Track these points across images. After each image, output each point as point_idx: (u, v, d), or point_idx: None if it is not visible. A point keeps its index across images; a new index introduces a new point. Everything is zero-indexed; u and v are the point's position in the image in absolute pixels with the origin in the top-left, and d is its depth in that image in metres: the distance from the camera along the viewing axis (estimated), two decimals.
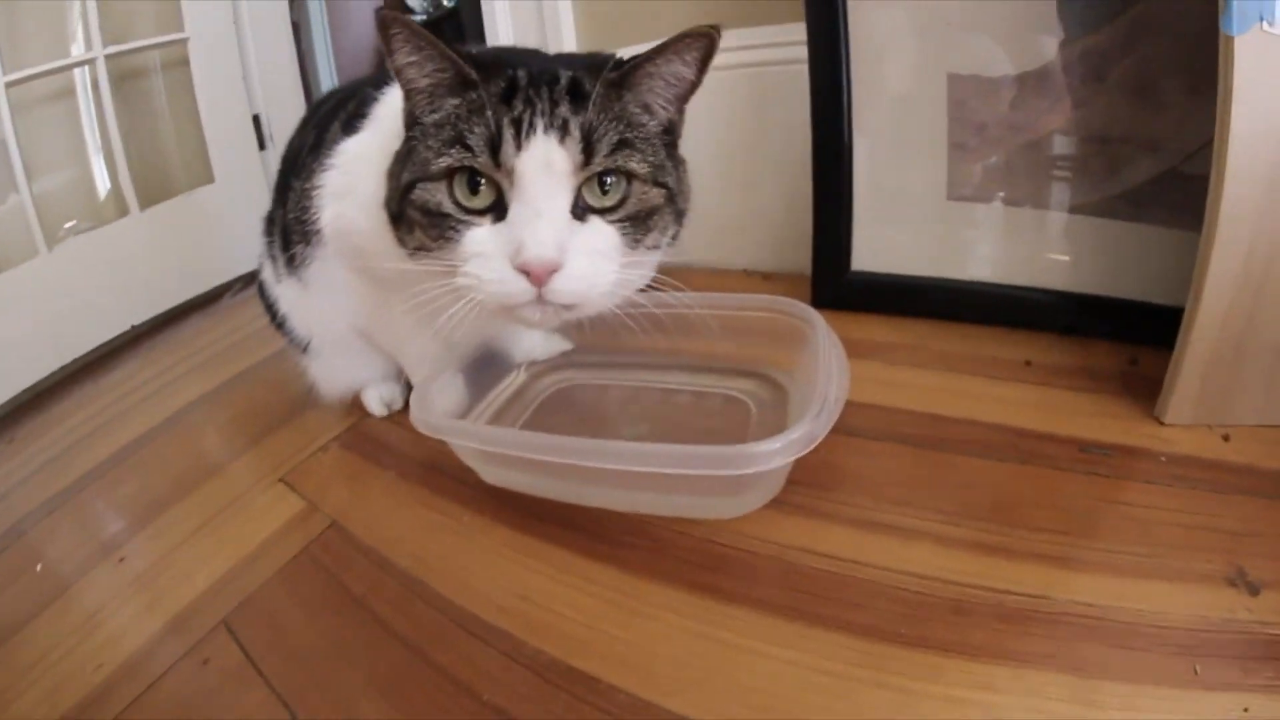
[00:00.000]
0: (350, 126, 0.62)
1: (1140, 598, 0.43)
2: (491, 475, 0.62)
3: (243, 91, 1.31)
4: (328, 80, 1.78)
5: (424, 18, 1.96)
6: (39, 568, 0.65)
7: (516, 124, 0.43)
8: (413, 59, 0.46)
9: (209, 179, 1.27)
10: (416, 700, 0.45)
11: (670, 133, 0.51)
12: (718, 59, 0.98)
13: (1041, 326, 0.75)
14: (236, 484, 0.73)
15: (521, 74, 0.46)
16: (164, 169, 1.28)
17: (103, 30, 1.12)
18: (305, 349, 0.75)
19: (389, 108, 0.58)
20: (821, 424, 0.49)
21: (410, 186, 0.46)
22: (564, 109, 0.44)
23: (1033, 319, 0.76)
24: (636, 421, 0.70)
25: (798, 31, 0.83)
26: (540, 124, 0.43)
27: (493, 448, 0.54)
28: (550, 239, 0.42)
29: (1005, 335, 0.76)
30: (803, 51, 0.83)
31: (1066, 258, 0.76)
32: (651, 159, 0.47)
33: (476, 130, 0.44)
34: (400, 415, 0.78)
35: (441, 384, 0.65)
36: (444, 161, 0.44)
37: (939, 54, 0.77)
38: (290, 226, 0.67)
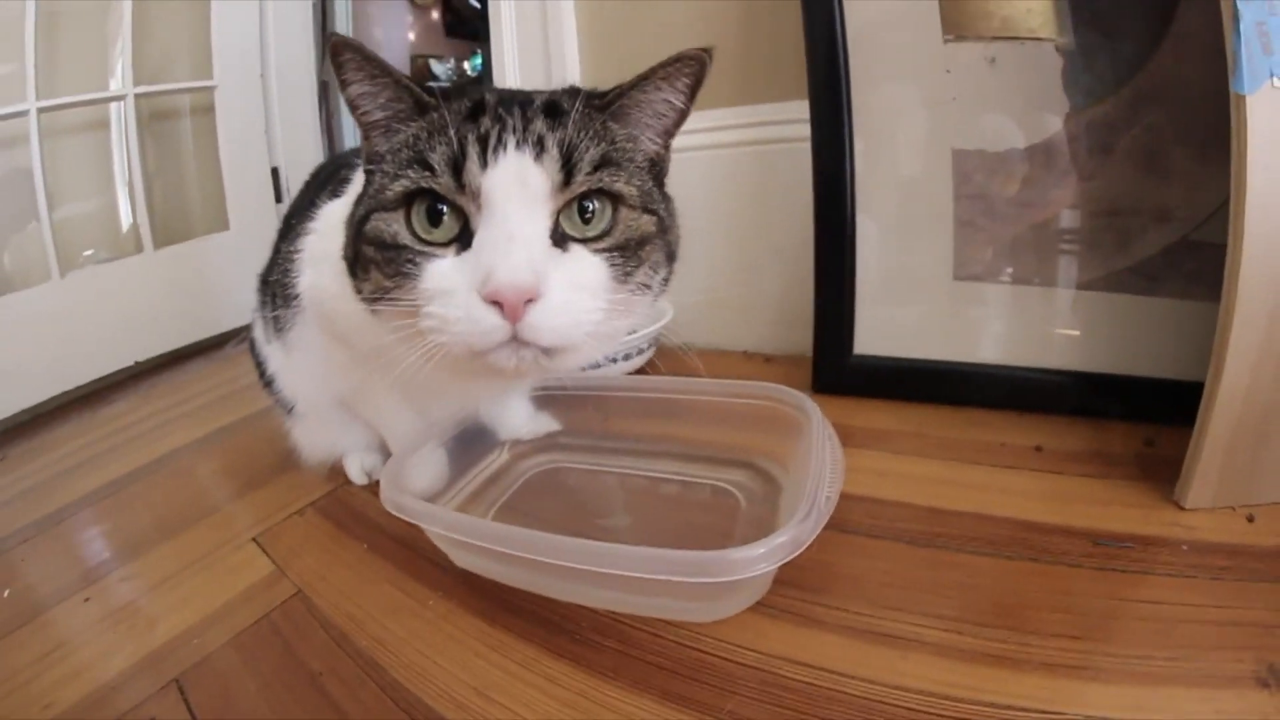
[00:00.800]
0: (336, 191, 0.61)
1: (1162, 707, 0.39)
2: (462, 560, 0.60)
3: (264, 143, 1.36)
4: (352, 140, 1.83)
5: (448, 84, 2.03)
6: (5, 593, 0.65)
7: (483, 140, 0.38)
8: (366, 89, 0.42)
9: (224, 226, 1.30)
10: None
11: (657, 167, 0.47)
12: (719, 137, 1.02)
13: (1052, 409, 0.72)
14: (211, 538, 0.72)
15: (490, 96, 0.42)
16: (183, 211, 1.31)
17: (140, 69, 1.18)
18: (290, 411, 0.74)
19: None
20: (808, 529, 0.46)
21: (364, 220, 0.41)
22: (539, 125, 0.39)
23: (1043, 401, 0.73)
24: (619, 511, 0.67)
25: (800, 110, 0.84)
26: (511, 140, 0.38)
27: (458, 535, 0.52)
28: (523, 261, 0.36)
29: (1014, 419, 0.73)
30: (805, 129, 0.83)
31: (1077, 334, 0.73)
32: (639, 184, 0.42)
33: (438, 149, 0.38)
34: (378, 485, 0.77)
35: (420, 458, 0.63)
36: (400, 186, 0.39)
37: (944, 130, 0.76)
38: (274, 289, 0.66)
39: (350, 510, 0.74)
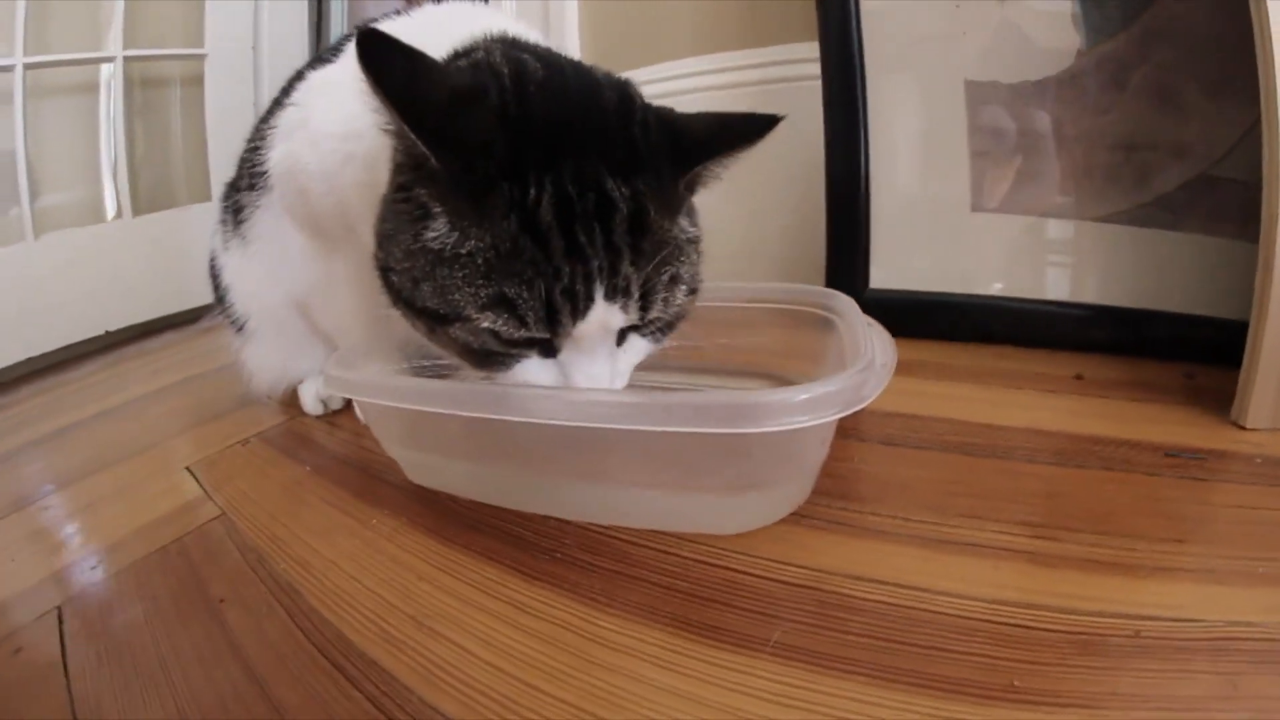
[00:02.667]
0: (321, 60, 0.53)
1: None
2: (418, 468, 0.47)
3: (252, 115, 1.25)
4: None
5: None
6: None
7: (571, 295, 0.32)
8: (389, 128, 0.32)
9: (206, 197, 1.19)
10: None
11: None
12: (727, 78, 0.93)
13: (1082, 345, 0.64)
14: (144, 468, 0.61)
15: (550, 189, 0.32)
16: (166, 180, 1.22)
17: (132, 34, 1.10)
18: (241, 329, 0.62)
19: (399, 27, 0.48)
20: (872, 382, 0.34)
21: (437, 317, 0.35)
22: (626, 267, 0.33)
23: (1072, 336, 0.65)
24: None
25: (808, 50, 0.77)
26: (599, 291, 0.33)
27: (410, 403, 0.39)
28: (605, 385, 0.37)
29: (1043, 355, 0.63)
30: (813, 69, 0.76)
31: (1100, 269, 0.65)
32: (692, 274, 0.38)
33: (524, 299, 0.32)
34: (336, 415, 0.65)
35: (377, 360, 0.51)
36: (485, 323, 0.33)
37: (956, 62, 0.69)
38: (239, 172, 0.58)
39: (299, 437, 0.62)
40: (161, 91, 1.21)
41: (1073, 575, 0.34)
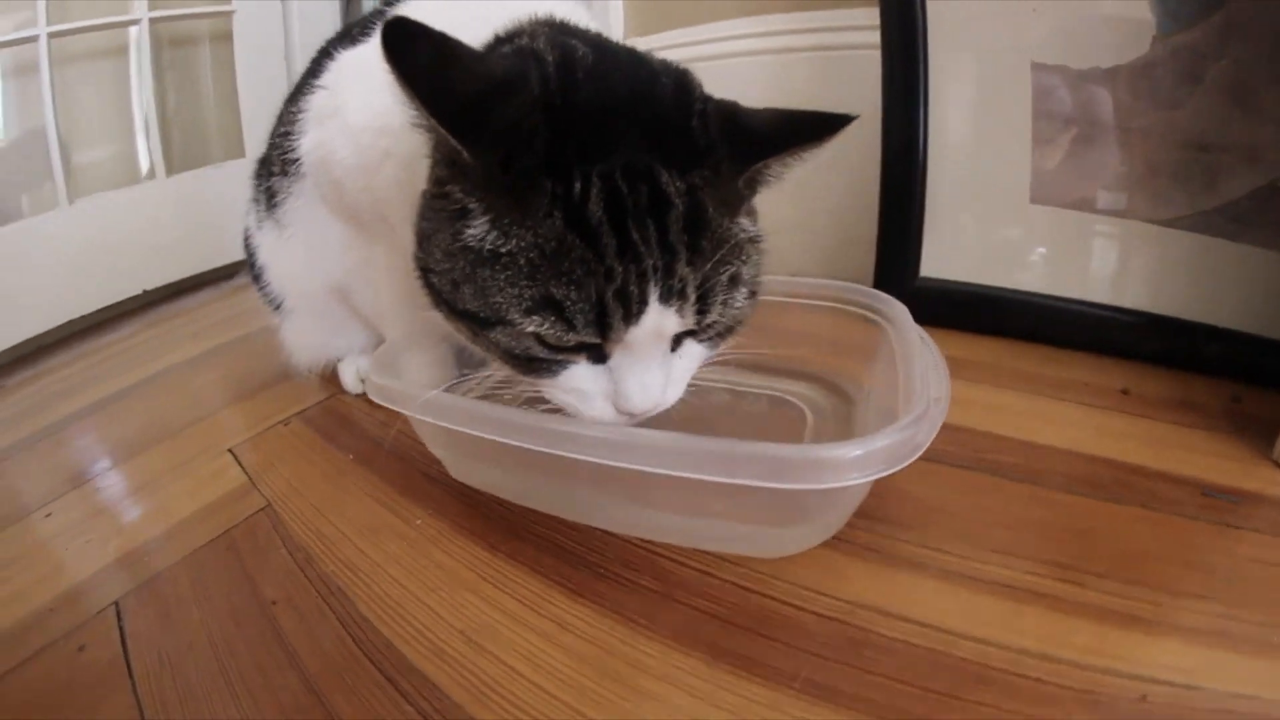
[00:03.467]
0: (351, 39, 0.49)
1: None
2: (461, 469, 0.46)
3: (283, 70, 1.22)
4: None
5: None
6: None
7: (624, 298, 0.30)
8: (420, 123, 0.30)
9: (240, 154, 1.17)
10: None
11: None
12: (781, 41, 0.86)
13: (1131, 353, 0.61)
14: (187, 448, 0.61)
15: (598, 183, 0.29)
16: (200, 139, 1.20)
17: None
18: (279, 307, 0.61)
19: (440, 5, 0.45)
20: (925, 430, 0.32)
21: (479, 320, 0.33)
22: (682, 267, 0.30)
23: (1121, 343, 0.61)
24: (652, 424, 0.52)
25: (867, 16, 0.71)
26: (654, 293, 0.30)
27: (453, 424, 0.38)
28: (657, 393, 0.34)
29: (1092, 360, 0.60)
30: (870, 37, 0.70)
31: (1160, 276, 0.61)
32: (753, 275, 0.35)
33: (574, 301, 0.30)
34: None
35: (418, 352, 0.49)
36: (531, 327, 0.31)
37: (1023, 41, 0.64)
38: (270, 155, 0.55)
39: (340, 419, 0.61)
40: (191, 50, 1.17)
41: (1092, 627, 0.33)
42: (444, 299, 0.34)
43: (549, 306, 0.30)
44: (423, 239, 0.34)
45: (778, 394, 0.53)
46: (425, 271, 0.35)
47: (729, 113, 0.33)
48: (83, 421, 0.71)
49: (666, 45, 0.91)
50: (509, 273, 0.30)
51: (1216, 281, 0.58)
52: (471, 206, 0.31)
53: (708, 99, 0.34)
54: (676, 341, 0.35)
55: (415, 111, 0.29)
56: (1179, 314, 0.59)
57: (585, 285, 0.29)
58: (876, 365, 0.48)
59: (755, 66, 0.85)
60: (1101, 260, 0.64)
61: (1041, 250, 0.67)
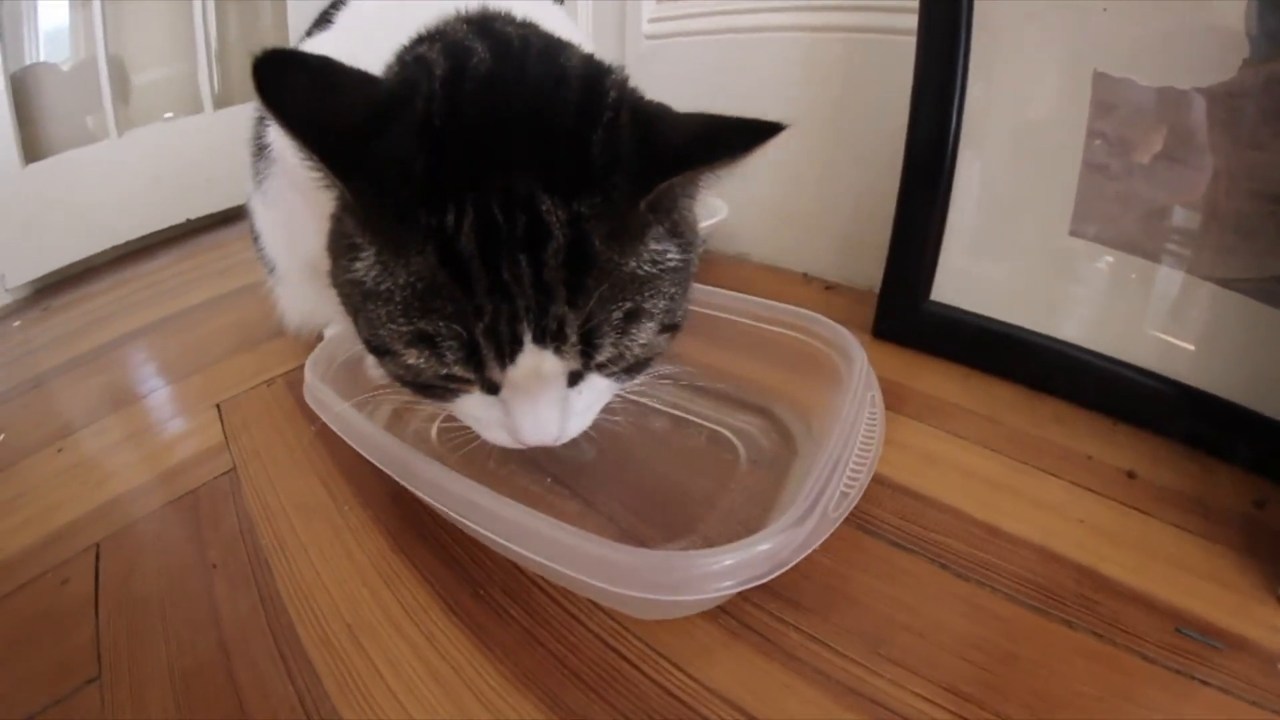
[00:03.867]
0: (320, 23, 0.50)
1: None
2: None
3: None
4: None
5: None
6: (1, 436, 0.65)
7: (494, 336, 0.29)
8: (305, 160, 0.28)
9: None
10: (198, 709, 0.35)
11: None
12: (812, 18, 0.80)
13: (1153, 425, 0.54)
14: (184, 398, 0.68)
15: (471, 213, 0.28)
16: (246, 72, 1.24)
17: None
18: (272, 270, 0.65)
19: (358, 9, 0.46)
20: (795, 542, 0.31)
21: (373, 349, 0.34)
22: (559, 308, 0.29)
23: (1144, 412, 0.55)
24: (590, 444, 0.51)
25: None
26: (527, 334, 0.29)
27: (356, 443, 0.40)
28: (551, 427, 0.34)
29: (1105, 426, 0.54)
30: (911, 20, 0.63)
31: (1203, 343, 0.54)
32: (664, 308, 0.32)
33: (444, 338, 0.29)
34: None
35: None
36: (410, 360, 0.31)
37: (1086, 45, 0.56)
38: (254, 133, 0.56)
39: None
40: None
41: None
42: (352, 323, 0.35)
43: (423, 342, 0.30)
44: (331, 259, 0.35)
45: (719, 429, 0.52)
46: (339, 291, 0.36)
47: (645, 121, 0.31)
48: (106, 356, 0.80)
49: (701, 11, 0.86)
50: (389, 308, 0.30)
51: (1269, 361, 0.50)
52: (358, 241, 0.31)
53: (623, 105, 0.31)
54: (577, 379, 0.34)
55: (296, 147, 0.28)
56: (1216, 390, 0.52)
57: (454, 323, 0.29)
58: (827, 407, 0.46)
59: (786, 43, 0.79)
60: (1138, 313, 0.57)
61: (1072, 290, 0.60)
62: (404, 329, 0.30)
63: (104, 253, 1.10)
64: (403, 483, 0.39)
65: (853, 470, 0.36)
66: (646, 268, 0.31)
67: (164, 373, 0.73)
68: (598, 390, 0.35)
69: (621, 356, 0.32)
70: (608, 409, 0.37)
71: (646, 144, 0.29)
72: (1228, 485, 0.47)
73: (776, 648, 0.36)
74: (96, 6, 1.02)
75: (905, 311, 0.68)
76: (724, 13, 0.84)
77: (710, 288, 0.52)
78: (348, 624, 0.39)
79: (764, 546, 0.30)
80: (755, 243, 0.90)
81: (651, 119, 0.31)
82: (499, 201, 0.28)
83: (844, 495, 0.35)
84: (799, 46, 0.78)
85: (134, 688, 0.37)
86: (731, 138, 0.29)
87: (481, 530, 0.35)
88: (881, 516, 0.45)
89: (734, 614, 0.38)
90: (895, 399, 0.56)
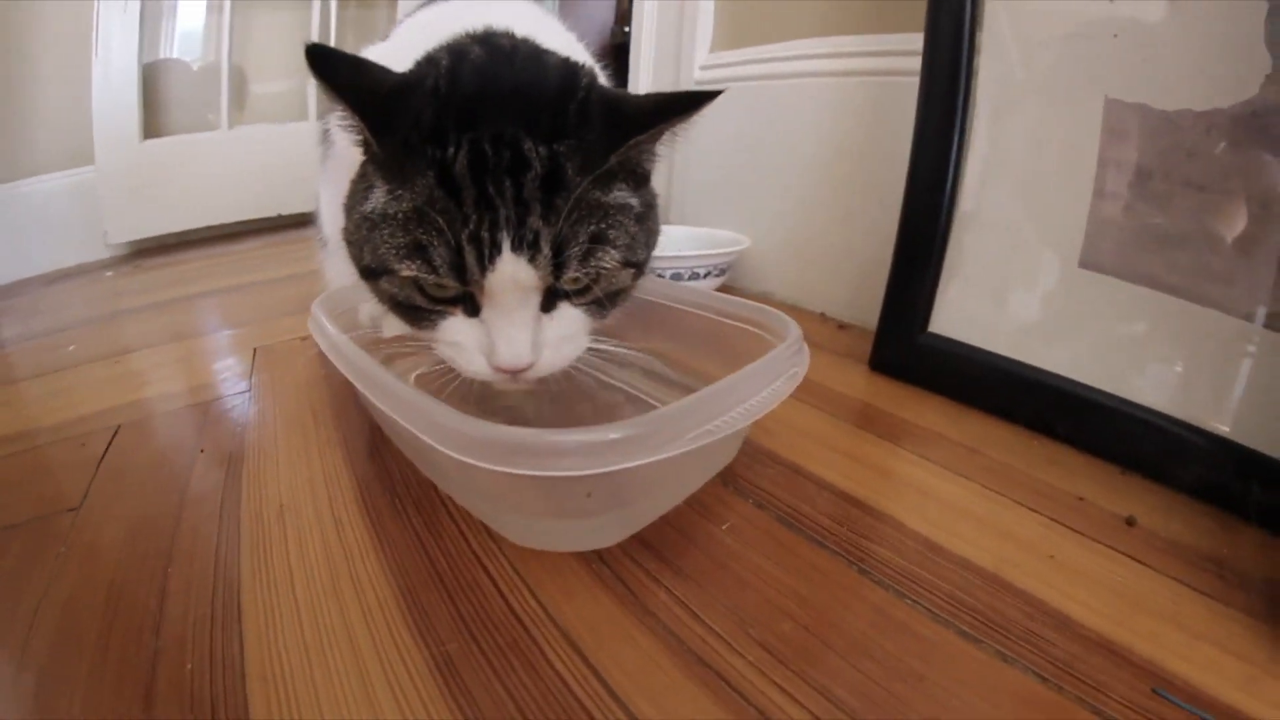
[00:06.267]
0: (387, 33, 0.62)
1: None
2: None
3: None
4: None
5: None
6: (71, 348, 0.81)
7: (477, 242, 0.36)
8: (346, 122, 0.38)
9: None
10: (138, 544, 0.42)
11: (647, 176, 0.44)
12: (841, 64, 0.87)
13: (1160, 474, 0.51)
14: (231, 341, 0.82)
15: (466, 146, 0.36)
16: None
17: None
18: (325, 245, 0.77)
19: (418, 20, 0.56)
20: (648, 433, 0.34)
21: (372, 273, 0.41)
22: (534, 220, 0.36)
23: (1151, 459, 0.52)
24: (535, 400, 0.57)
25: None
26: (506, 241, 0.36)
27: (335, 360, 0.48)
28: (523, 348, 0.39)
29: (1105, 472, 0.52)
30: None
31: (1228, 385, 0.50)
32: (626, 243, 0.40)
33: (435, 245, 0.37)
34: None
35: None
36: (407, 271, 0.38)
37: (1097, 71, 0.56)
38: (318, 128, 0.69)
39: None
40: (367, 11, 1.44)
41: None
42: (355, 262, 0.43)
43: (417, 251, 0.37)
44: (346, 214, 0.43)
45: (644, 396, 0.57)
46: (347, 243, 0.44)
47: (610, 101, 0.39)
48: (178, 305, 0.96)
49: (752, 59, 0.95)
50: (391, 228, 0.38)
51: None
52: (374, 182, 0.39)
53: (593, 89, 0.40)
54: (551, 304, 0.40)
55: (342, 111, 0.37)
56: (1243, 439, 0.48)
57: (445, 231, 0.36)
58: None
59: (820, 87, 0.86)
60: (1152, 349, 0.54)
61: (1081, 326, 0.58)
62: (402, 241, 0.37)
63: (199, 230, 1.32)
64: (342, 370, 0.45)
65: (731, 417, 0.38)
66: (610, 201, 0.38)
67: (221, 323, 0.88)
68: (569, 319, 0.41)
69: (589, 279, 0.39)
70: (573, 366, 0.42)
71: (615, 112, 0.38)
72: (1252, 546, 0.43)
73: (638, 602, 0.37)
74: (226, 17, 1.26)
75: (901, 343, 0.69)
76: (767, 60, 0.93)
77: (676, 283, 0.58)
78: (281, 504, 0.46)
79: (612, 435, 0.34)
80: (779, 282, 0.95)
81: (617, 97, 0.40)
82: (489, 140, 0.36)
83: (709, 433, 0.37)
84: (830, 91, 0.85)
85: (99, 521, 0.46)
86: (681, 103, 0.38)
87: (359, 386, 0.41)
88: (810, 515, 0.44)
89: (609, 563, 0.40)
90: (888, 429, 0.57)
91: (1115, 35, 0.55)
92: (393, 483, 0.48)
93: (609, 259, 0.38)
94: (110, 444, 0.56)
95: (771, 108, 0.92)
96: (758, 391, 0.41)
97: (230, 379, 0.68)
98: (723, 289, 0.92)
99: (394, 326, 0.70)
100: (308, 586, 0.38)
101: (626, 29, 1.45)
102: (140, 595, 0.38)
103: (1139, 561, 0.41)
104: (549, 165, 0.36)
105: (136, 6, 1.17)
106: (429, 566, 0.40)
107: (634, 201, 0.40)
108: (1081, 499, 0.48)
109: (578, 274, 0.38)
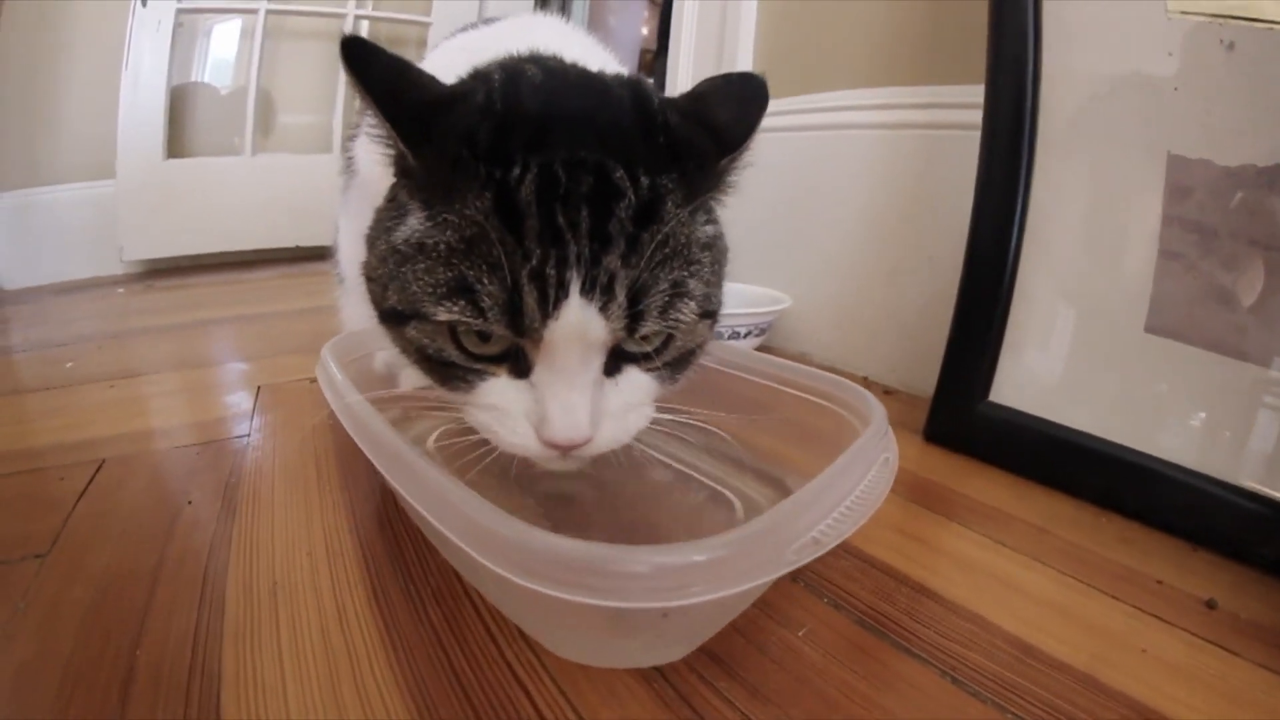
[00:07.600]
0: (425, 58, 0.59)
1: None
2: None
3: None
4: None
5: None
6: (69, 365, 0.79)
7: (540, 280, 0.29)
8: (375, 130, 0.33)
9: None
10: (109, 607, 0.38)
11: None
12: (890, 116, 0.84)
13: (1239, 551, 0.49)
14: (235, 375, 0.78)
15: (535, 169, 0.30)
16: None
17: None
18: (342, 281, 0.73)
19: (456, 43, 0.53)
20: (740, 554, 0.27)
21: (398, 316, 0.34)
22: (612, 260, 0.30)
23: (1229, 536, 0.49)
24: (586, 482, 0.50)
25: (979, 93, 0.65)
26: (575, 282, 0.30)
27: (342, 418, 0.42)
28: (582, 418, 0.32)
29: (1179, 550, 0.49)
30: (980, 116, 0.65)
31: None
32: (705, 289, 0.34)
33: (486, 283, 0.30)
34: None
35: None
36: (443, 315, 0.31)
37: (1158, 127, 0.55)
38: (344, 149, 0.66)
39: None
40: (402, 49, 1.45)
41: None
42: (378, 305, 0.36)
43: (461, 291, 0.30)
44: (369, 247, 0.37)
45: (721, 489, 0.49)
46: (367, 280, 0.37)
47: (694, 113, 0.35)
48: (186, 330, 0.93)
49: (795, 109, 0.93)
50: (429, 262, 0.31)
51: None
52: (410, 206, 0.33)
53: (666, 105, 0.35)
54: (616, 366, 0.33)
55: (372, 117, 0.33)
56: None
57: (500, 267, 0.29)
58: None
59: (870, 140, 0.84)
60: (1226, 421, 0.52)
61: (1147, 394, 0.56)
62: (443, 278, 0.31)
63: (215, 254, 1.29)
64: (358, 442, 0.39)
65: (833, 521, 0.33)
66: (697, 237, 0.33)
67: (227, 354, 0.84)
68: (635, 385, 0.34)
69: (665, 335, 0.33)
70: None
71: (705, 125, 0.34)
72: None
73: None
74: (257, 42, 1.26)
75: (960, 412, 0.65)
76: (810, 110, 0.90)
77: (732, 344, 0.52)
78: (274, 581, 0.40)
79: (697, 557, 0.27)
80: (817, 344, 0.91)
81: (697, 108, 0.35)
82: (563, 164, 0.30)
83: (815, 542, 0.31)
84: (879, 144, 0.82)
85: (66, 573, 0.41)
86: (752, 88, 0.36)
87: (399, 489, 0.34)
88: (892, 615, 0.40)
89: (672, 680, 0.34)
90: (943, 504, 0.53)
91: (1175, 89, 0.54)
92: (407, 565, 0.42)
93: (687, 312, 0.32)
94: (92, 480, 0.51)
95: (821, 159, 0.89)
96: (854, 488, 0.34)
97: (229, 419, 0.64)
98: (761, 349, 0.87)
99: (412, 378, 0.64)
100: (302, 693, 0.32)
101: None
102: (100, 684, 0.32)
103: (1226, 649, 0.39)
104: (650, 195, 0.31)
105: (169, 27, 1.18)
106: (451, 677, 0.34)
107: (710, 230, 0.35)
108: (1160, 582, 0.44)
109: (656, 327, 0.32)
